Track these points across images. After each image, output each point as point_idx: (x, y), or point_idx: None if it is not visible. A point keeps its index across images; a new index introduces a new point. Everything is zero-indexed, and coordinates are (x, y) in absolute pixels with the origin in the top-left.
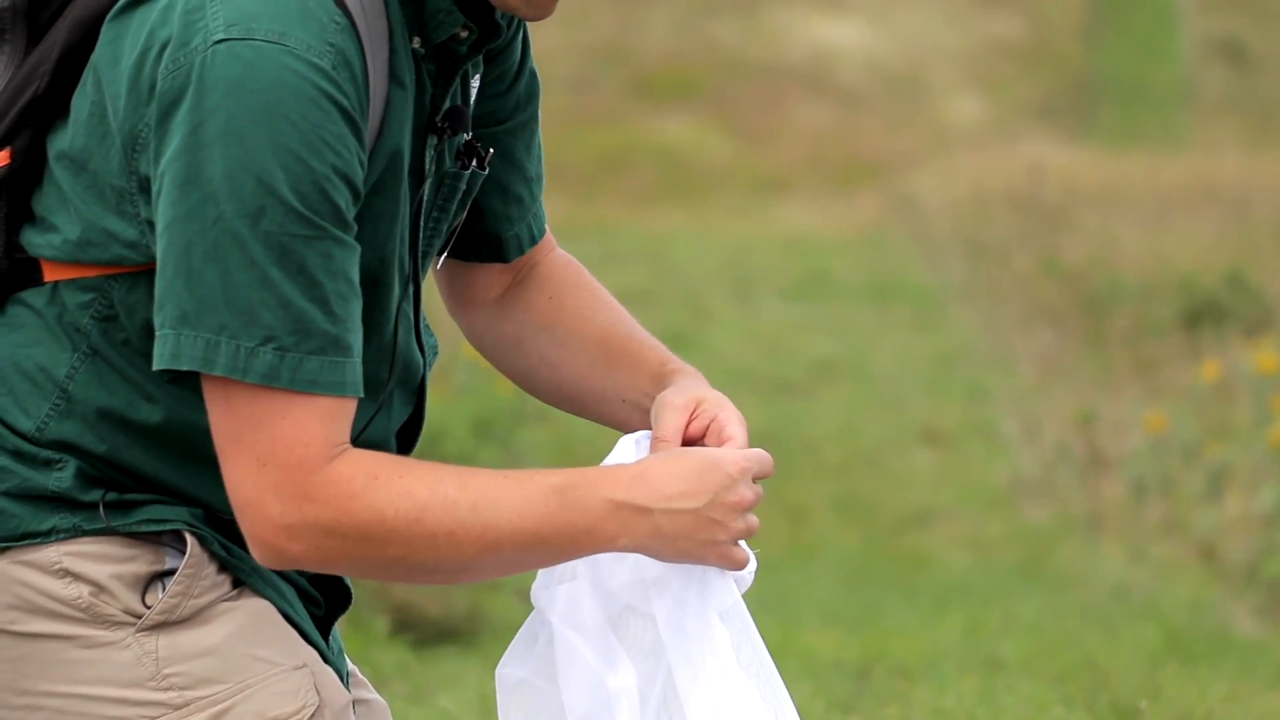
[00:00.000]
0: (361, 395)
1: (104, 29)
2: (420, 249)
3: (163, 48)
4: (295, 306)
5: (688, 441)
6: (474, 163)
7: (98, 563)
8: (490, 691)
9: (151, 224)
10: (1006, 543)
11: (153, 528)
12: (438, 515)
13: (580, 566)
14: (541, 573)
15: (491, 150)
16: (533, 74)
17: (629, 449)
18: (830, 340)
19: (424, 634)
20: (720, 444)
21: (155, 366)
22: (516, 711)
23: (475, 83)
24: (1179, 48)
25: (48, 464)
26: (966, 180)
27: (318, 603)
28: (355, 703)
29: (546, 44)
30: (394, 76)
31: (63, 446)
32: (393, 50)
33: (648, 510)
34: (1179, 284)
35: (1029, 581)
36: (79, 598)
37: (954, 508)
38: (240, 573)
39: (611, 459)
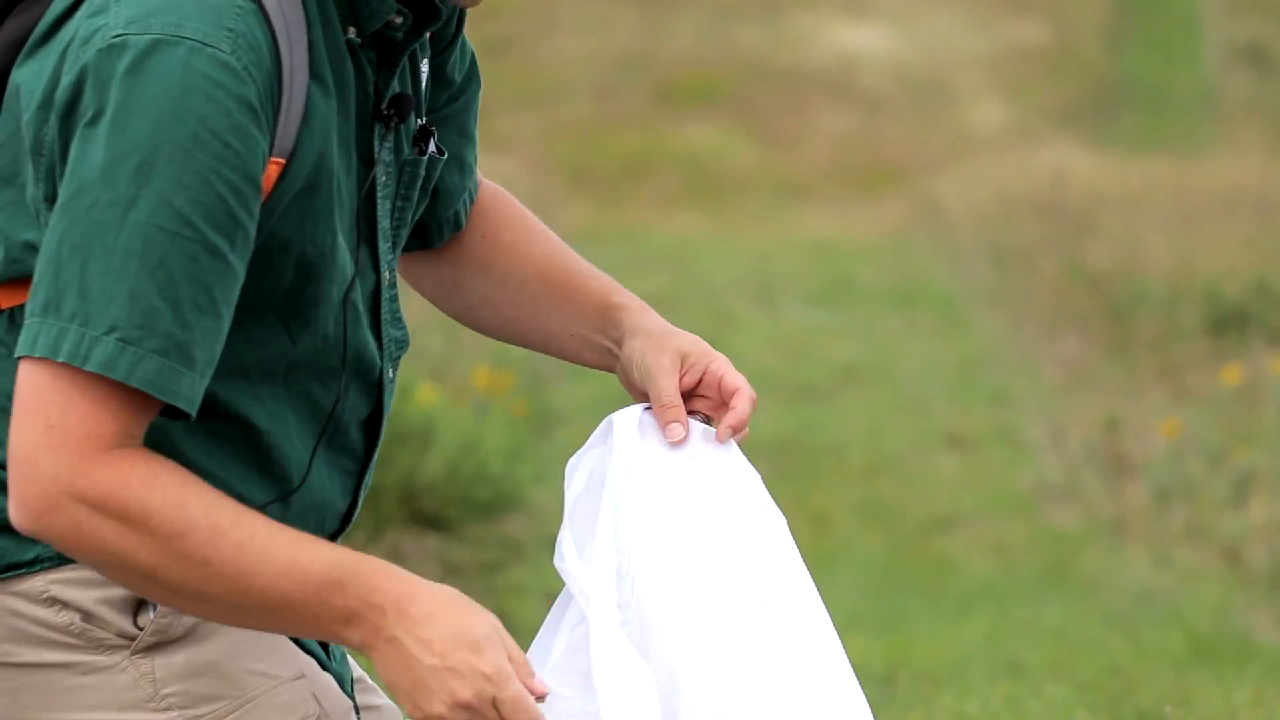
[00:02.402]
0: (194, 415)
1: (26, 48)
2: (381, 239)
3: (65, 49)
4: (145, 301)
5: (684, 395)
6: (430, 147)
7: (83, 588)
8: None
9: None
10: (1031, 548)
11: None
12: (202, 538)
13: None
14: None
15: (435, 134)
16: (464, 45)
17: (635, 426)
18: (854, 345)
19: None
20: (725, 398)
21: (15, 354)
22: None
23: (425, 67)
24: (1203, 53)
25: None
26: (991, 185)
27: None
28: (365, 708)
29: (570, 52)
30: (314, 74)
31: None
32: (311, 45)
33: (396, 639)
34: (1204, 290)
35: (1053, 586)
36: (71, 624)
37: (978, 512)
38: None
39: (620, 435)
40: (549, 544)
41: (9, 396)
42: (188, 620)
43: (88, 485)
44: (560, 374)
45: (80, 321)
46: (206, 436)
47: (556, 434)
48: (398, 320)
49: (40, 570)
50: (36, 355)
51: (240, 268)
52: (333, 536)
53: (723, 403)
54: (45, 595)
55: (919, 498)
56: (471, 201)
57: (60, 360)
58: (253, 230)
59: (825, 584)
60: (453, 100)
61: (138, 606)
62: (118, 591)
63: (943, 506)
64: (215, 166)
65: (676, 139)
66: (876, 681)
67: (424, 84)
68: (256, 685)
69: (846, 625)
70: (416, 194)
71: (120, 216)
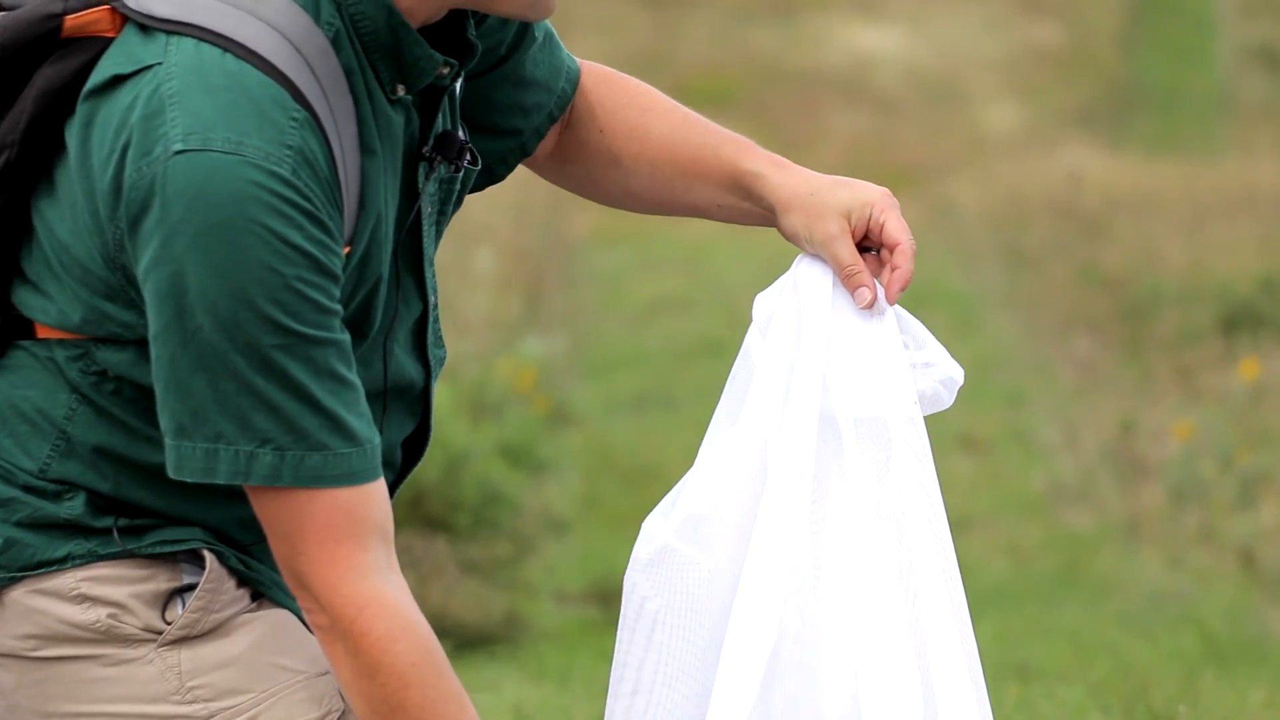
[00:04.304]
0: (380, 478)
1: (80, 106)
2: (426, 265)
3: (124, 151)
4: (284, 410)
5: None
6: (467, 159)
7: (115, 585)
8: (525, 702)
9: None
10: (1044, 549)
11: (169, 548)
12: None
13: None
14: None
15: (473, 151)
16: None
17: (820, 276)
18: None
19: (460, 639)
20: (891, 247)
21: (168, 475)
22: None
23: (458, 85)
24: (1217, 55)
25: (57, 495)
26: (1004, 187)
27: None
28: None
29: (584, 53)
30: (365, 149)
31: (68, 485)
32: (360, 121)
33: None
34: (1217, 291)
35: (1066, 588)
36: (97, 621)
37: (992, 514)
38: (260, 585)
39: (804, 277)
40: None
41: (40, 411)
42: (215, 615)
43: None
44: (577, 372)
45: (227, 441)
46: None
47: (568, 433)
48: (439, 340)
49: (71, 568)
50: (187, 480)
51: (345, 336)
52: None
53: (886, 250)
54: (75, 593)
55: None
56: (539, 136)
57: (220, 482)
58: (340, 308)
59: None
60: (506, 58)
61: (167, 601)
62: (149, 586)
63: (956, 508)
64: (299, 274)
65: None
66: None
67: (458, 106)
68: (281, 679)
69: None
70: (452, 206)
71: (230, 338)
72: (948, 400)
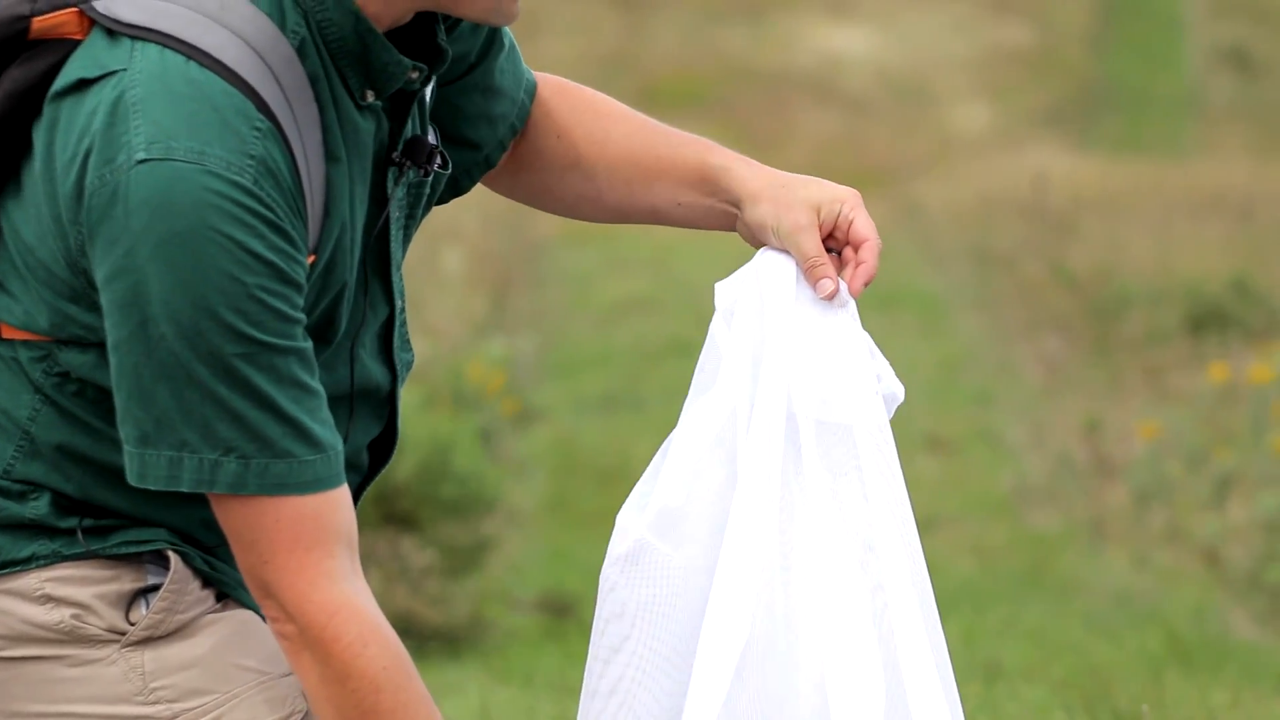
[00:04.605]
0: (344, 484)
1: (46, 108)
2: (394, 270)
3: (87, 156)
4: (248, 418)
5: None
6: (436, 163)
7: (79, 586)
8: (491, 702)
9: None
10: (1010, 549)
11: (133, 549)
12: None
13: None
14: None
15: (444, 154)
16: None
17: (784, 267)
18: None
19: (424, 641)
20: (856, 244)
21: (128, 482)
22: None
23: (428, 91)
24: (1185, 55)
25: (22, 495)
26: (973, 187)
27: None
28: None
29: (554, 54)
30: (330, 156)
31: (33, 485)
32: (325, 129)
33: None
34: (1185, 291)
35: (1032, 588)
36: (61, 622)
37: (958, 514)
38: (224, 586)
39: (767, 268)
40: (525, 542)
41: (3, 411)
42: (179, 616)
43: (307, 637)
44: (544, 372)
45: (191, 449)
46: None
47: (535, 431)
48: (406, 343)
49: (35, 568)
50: (151, 487)
51: (309, 344)
52: None
53: (848, 243)
54: (39, 593)
55: None
56: (502, 149)
57: (184, 490)
58: (304, 316)
59: None
60: (475, 66)
61: (131, 602)
62: (114, 587)
63: (923, 507)
64: (261, 283)
65: None
66: None
67: (428, 112)
68: (245, 680)
69: None
70: (421, 210)
71: (192, 348)
72: (887, 416)
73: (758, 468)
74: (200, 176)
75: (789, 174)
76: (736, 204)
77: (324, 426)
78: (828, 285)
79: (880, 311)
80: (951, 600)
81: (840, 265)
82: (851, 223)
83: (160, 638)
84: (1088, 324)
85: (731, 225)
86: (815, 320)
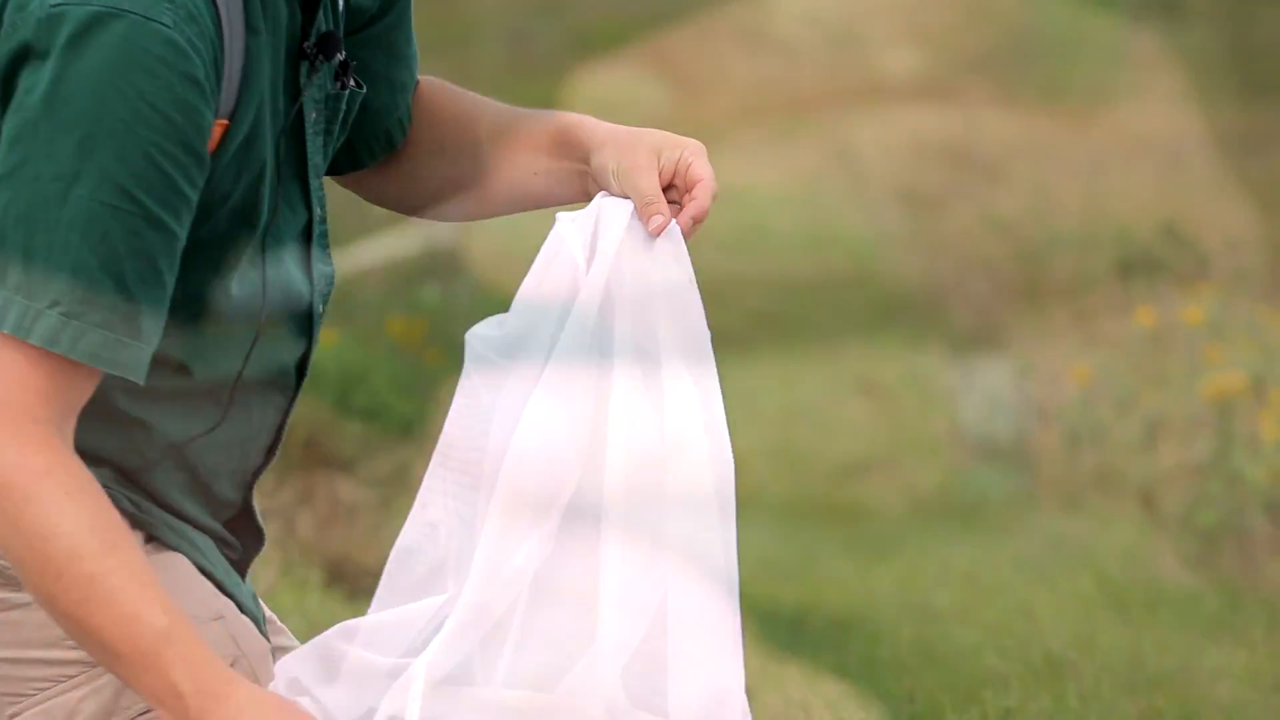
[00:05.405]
0: (142, 382)
1: None
2: (313, 174)
3: (2, 5)
4: (88, 275)
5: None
6: (350, 82)
7: None
8: None
9: None
10: (942, 493)
11: None
12: (61, 551)
13: None
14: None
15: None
16: None
17: (617, 214)
18: (767, 293)
19: (359, 585)
20: (690, 185)
21: None
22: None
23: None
24: (1115, 2)
25: None
26: (904, 133)
27: (233, 547)
28: (274, 649)
29: (482, 1)
30: (249, 26)
31: None
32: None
33: (209, 710)
34: (1115, 236)
35: (964, 531)
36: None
37: (889, 458)
38: (150, 527)
39: (605, 220)
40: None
41: None
42: None
43: None
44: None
45: (25, 294)
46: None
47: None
48: (326, 255)
49: None
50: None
51: (183, 235)
52: (256, 471)
53: (687, 190)
54: None
55: (831, 443)
56: (406, 121)
57: (4, 331)
58: (195, 198)
59: (737, 529)
60: (377, 19)
61: None
62: None
63: (855, 452)
64: (158, 141)
65: (590, 85)
66: (787, 625)
67: (340, 13)
68: None
69: (758, 570)
70: (337, 128)
71: (64, 191)
72: (710, 349)
73: (571, 387)
74: (114, 21)
75: (646, 129)
76: (585, 159)
77: (155, 323)
78: (658, 220)
79: (812, 256)
80: (883, 544)
81: (679, 212)
82: (690, 165)
83: None
84: (1018, 268)
85: (587, 191)
86: (644, 256)
